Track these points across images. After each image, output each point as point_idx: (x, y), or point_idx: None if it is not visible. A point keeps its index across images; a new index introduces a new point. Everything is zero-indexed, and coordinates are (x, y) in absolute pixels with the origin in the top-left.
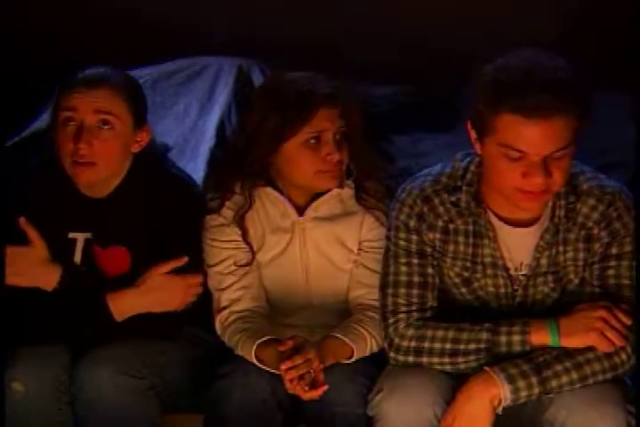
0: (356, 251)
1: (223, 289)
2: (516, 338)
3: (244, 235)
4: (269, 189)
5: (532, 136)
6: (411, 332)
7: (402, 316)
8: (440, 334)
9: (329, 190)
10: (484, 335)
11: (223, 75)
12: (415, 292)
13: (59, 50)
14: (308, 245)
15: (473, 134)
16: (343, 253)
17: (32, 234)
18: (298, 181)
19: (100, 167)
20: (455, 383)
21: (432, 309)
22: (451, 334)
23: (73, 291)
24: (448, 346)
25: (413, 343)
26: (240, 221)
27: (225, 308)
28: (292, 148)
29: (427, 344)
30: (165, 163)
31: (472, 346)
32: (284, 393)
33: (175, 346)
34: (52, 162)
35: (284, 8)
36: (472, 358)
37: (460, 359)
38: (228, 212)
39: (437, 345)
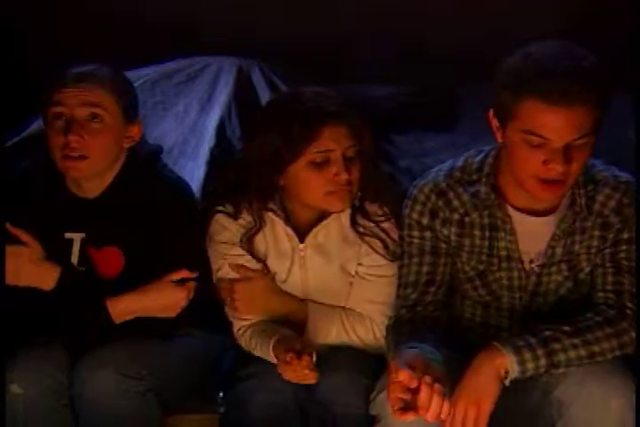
0: (353, 273)
1: None
2: None
3: (253, 255)
4: (272, 215)
5: (555, 122)
6: (389, 333)
7: (393, 315)
8: (390, 340)
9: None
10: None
11: (223, 75)
12: (419, 289)
13: (59, 50)
14: (309, 272)
15: (495, 123)
16: (343, 277)
17: (23, 236)
18: (308, 203)
19: (92, 161)
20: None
21: (431, 303)
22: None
23: (72, 291)
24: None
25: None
26: (248, 244)
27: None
28: (299, 168)
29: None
30: (157, 163)
31: None
32: (305, 398)
33: (175, 347)
34: (46, 163)
35: (284, 8)
36: None
37: None
38: (239, 229)
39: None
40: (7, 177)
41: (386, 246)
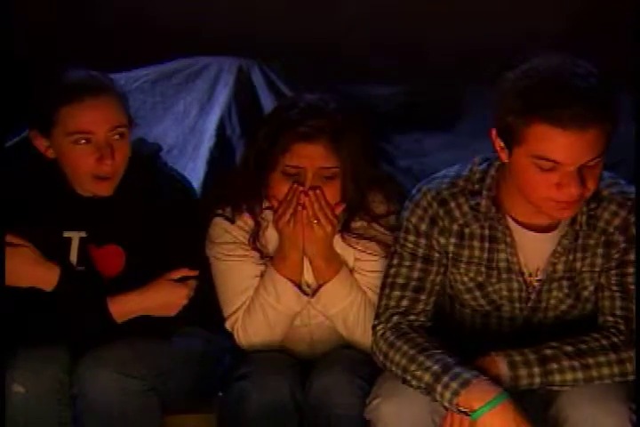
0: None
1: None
2: (447, 395)
3: (261, 254)
4: (269, 216)
5: (568, 147)
6: (382, 344)
7: (383, 319)
8: (397, 358)
9: None
10: (426, 377)
11: (223, 75)
12: (408, 295)
13: (59, 50)
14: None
15: (499, 143)
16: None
17: (13, 239)
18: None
19: (118, 176)
20: None
21: (422, 313)
22: (403, 361)
23: (73, 291)
24: (399, 372)
25: (382, 358)
26: (254, 243)
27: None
28: (275, 177)
29: (388, 363)
30: (157, 161)
31: (414, 382)
32: (302, 396)
33: (175, 347)
34: (48, 162)
35: (284, 8)
36: (418, 391)
37: (411, 388)
38: (239, 232)
39: (393, 368)
40: (8, 176)
41: (376, 254)
